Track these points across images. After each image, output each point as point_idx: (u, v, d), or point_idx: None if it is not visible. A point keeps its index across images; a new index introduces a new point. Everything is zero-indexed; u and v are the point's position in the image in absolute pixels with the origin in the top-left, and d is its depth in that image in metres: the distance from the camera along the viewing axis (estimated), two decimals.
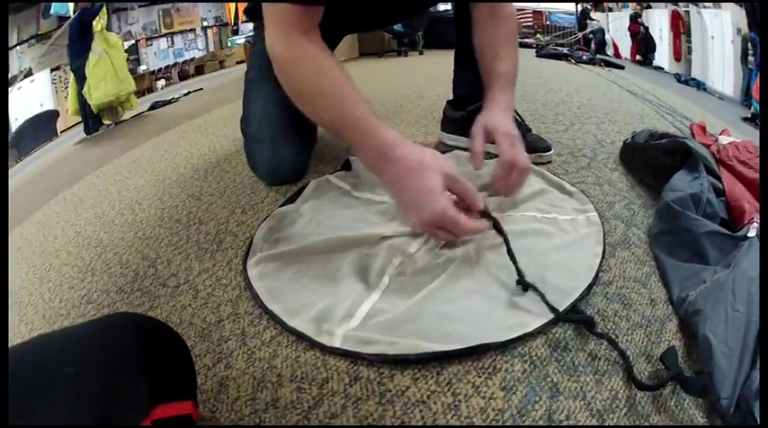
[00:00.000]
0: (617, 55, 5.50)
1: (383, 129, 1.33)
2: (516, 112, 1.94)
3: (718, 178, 1.46)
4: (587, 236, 1.38)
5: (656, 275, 1.28)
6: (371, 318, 1.11)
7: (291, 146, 1.81)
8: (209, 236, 1.60)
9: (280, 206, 1.64)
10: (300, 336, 1.09)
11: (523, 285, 1.14)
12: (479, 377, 0.97)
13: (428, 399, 0.94)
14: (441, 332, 1.04)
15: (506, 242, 1.24)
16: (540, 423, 0.89)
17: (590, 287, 1.19)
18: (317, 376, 1.01)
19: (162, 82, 5.23)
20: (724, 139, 1.67)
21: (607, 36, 5.86)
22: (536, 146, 1.89)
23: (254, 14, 2.03)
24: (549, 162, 1.91)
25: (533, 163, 1.79)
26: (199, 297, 1.31)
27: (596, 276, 1.23)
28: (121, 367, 0.68)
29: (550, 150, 1.91)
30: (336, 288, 1.22)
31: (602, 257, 1.30)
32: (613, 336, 1.05)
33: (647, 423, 0.89)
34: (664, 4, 4.92)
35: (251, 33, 5.69)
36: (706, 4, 4.34)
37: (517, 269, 1.18)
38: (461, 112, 2.03)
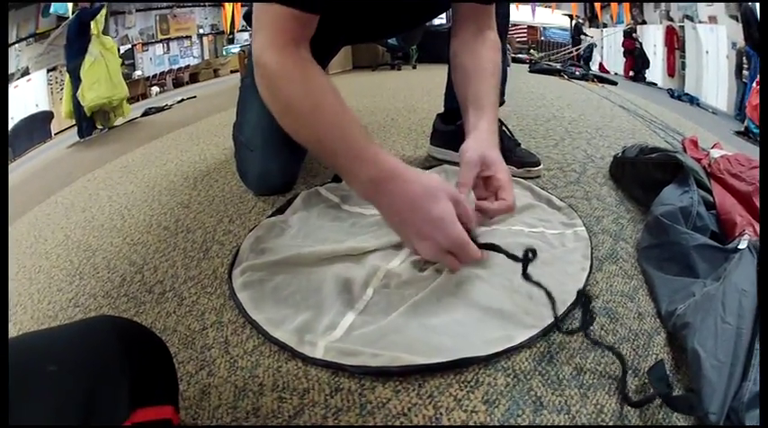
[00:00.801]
0: (602, 71, 5.52)
1: (383, 155, 1.24)
2: (506, 127, 1.95)
3: (709, 192, 1.46)
4: (574, 250, 1.37)
5: (644, 289, 1.28)
6: (354, 330, 1.11)
7: (283, 156, 1.79)
8: (195, 244, 1.60)
9: (269, 216, 1.63)
10: (283, 347, 1.09)
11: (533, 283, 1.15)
12: (461, 390, 0.96)
13: (409, 412, 0.93)
14: (425, 344, 1.04)
15: (524, 266, 1.19)
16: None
17: (576, 301, 1.17)
18: (297, 386, 1.00)
19: (156, 89, 5.23)
20: (716, 153, 1.67)
21: (595, 52, 5.88)
22: (524, 160, 1.88)
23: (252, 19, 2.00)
24: (538, 176, 1.91)
25: (522, 177, 1.79)
26: (184, 304, 1.31)
27: (583, 290, 1.21)
28: (103, 369, 0.68)
29: (539, 165, 1.91)
30: (320, 299, 1.21)
31: (590, 271, 1.29)
32: (599, 350, 1.05)
33: None
34: (659, 19, 4.94)
35: (246, 43, 5.70)
36: (702, 18, 4.35)
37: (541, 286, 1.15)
38: (451, 126, 2.02)
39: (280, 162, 1.82)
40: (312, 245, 1.40)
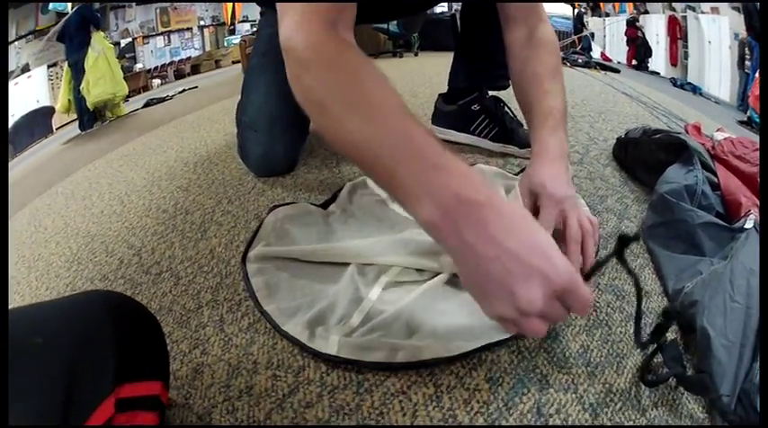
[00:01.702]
0: (605, 59, 5.49)
1: (459, 163, 0.87)
2: (508, 107, 1.92)
3: (714, 173, 1.45)
4: None
5: (651, 267, 1.26)
6: (371, 319, 1.05)
7: (287, 138, 1.77)
8: (194, 225, 1.59)
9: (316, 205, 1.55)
10: (294, 342, 1.03)
11: None
12: (463, 368, 0.95)
13: (408, 390, 0.91)
14: (442, 330, 1.00)
15: (639, 298, 0.98)
16: (529, 416, 0.86)
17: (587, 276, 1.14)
18: (293, 363, 0.99)
19: (158, 81, 5.22)
20: (719, 136, 1.66)
21: (593, 43, 5.86)
22: (527, 141, 1.86)
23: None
24: None
25: (524, 158, 1.77)
26: (180, 284, 1.30)
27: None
28: (89, 342, 0.67)
29: None
30: (337, 288, 1.16)
31: (598, 249, 1.25)
32: (606, 328, 1.03)
33: (643, 418, 0.86)
34: (661, 9, 4.92)
35: (247, 33, 5.70)
36: (704, 8, 4.33)
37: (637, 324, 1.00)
38: (453, 106, 2.00)
39: (284, 143, 1.80)
40: (338, 244, 1.29)
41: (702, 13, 4.47)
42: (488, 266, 0.80)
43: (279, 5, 1.08)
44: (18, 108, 4.14)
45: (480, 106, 1.92)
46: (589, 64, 4.58)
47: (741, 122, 3.67)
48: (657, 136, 1.66)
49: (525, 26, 1.49)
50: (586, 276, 0.97)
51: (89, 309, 0.72)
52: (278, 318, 1.08)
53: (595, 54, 5.54)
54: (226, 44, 5.79)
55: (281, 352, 1.02)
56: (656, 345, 0.93)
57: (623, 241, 0.94)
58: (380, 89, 0.96)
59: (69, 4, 4.34)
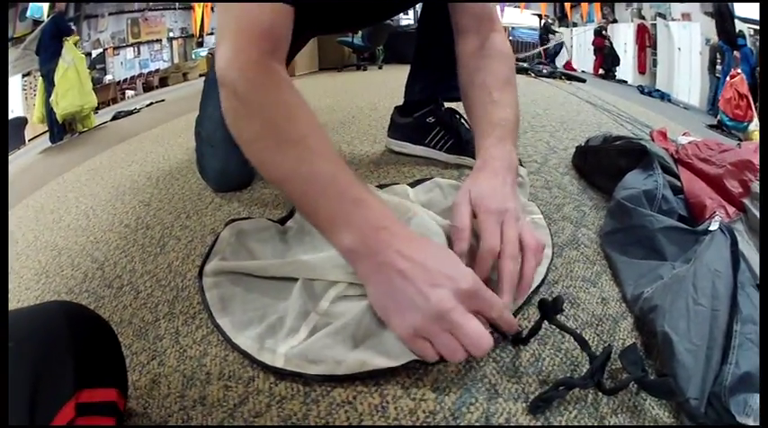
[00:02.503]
0: (569, 69, 5.53)
1: (374, 198, 1.01)
2: (459, 115, 1.92)
3: (677, 177, 1.46)
4: None
5: (608, 274, 1.27)
6: (318, 330, 1.04)
7: (243, 153, 1.77)
8: (153, 240, 1.59)
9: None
10: (244, 354, 1.04)
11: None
12: (409, 377, 0.94)
13: (354, 400, 0.91)
14: (387, 341, 0.97)
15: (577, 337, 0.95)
16: (476, 426, 0.86)
17: (537, 288, 1.16)
18: (243, 374, 0.99)
19: (131, 92, 5.21)
20: (683, 139, 1.68)
21: (564, 50, 5.91)
22: None
23: None
24: None
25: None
26: (139, 297, 1.31)
27: (544, 278, 1.20)
28: (50, 349, 0.69)
29: None
30: (287, 302, 1.14)
31: (551, 259, 1.27)
32: (559, 337, 1.03)
33: (603, 426, 0.87)
34: (630, 17, 4.97)
35: (214, 46, 5.71)
36: (675, 15, 4.38)
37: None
38: (408, 118, 2.00)
39: (240, 159, 1.74)
40: (291, 260, 1.26)
41: (673, 20, 4.52)
42: (400, 279, 0.91)
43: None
44: None
45: (435, 118, 1.92)
46: (554, 74, 4.61)
47: (711, 126, 3.73)
48: (618, 142, 1.67)
49: (477, 36, 1.47)
50: (515, 338, 1.01)
51: (49, 318, 0.74)
52: (230, 332, 1.08)
53: (560, 63, 5.57)
54: (194, 56, 5.79)
55: (233, 363, 1.02)
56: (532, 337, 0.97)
57: (544, 308, 0.98)
58: (312, 130, 1.06)
59: (46, 10, 4.34)
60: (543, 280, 1.19)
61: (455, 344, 0.87)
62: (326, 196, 0.99)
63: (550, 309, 0.96)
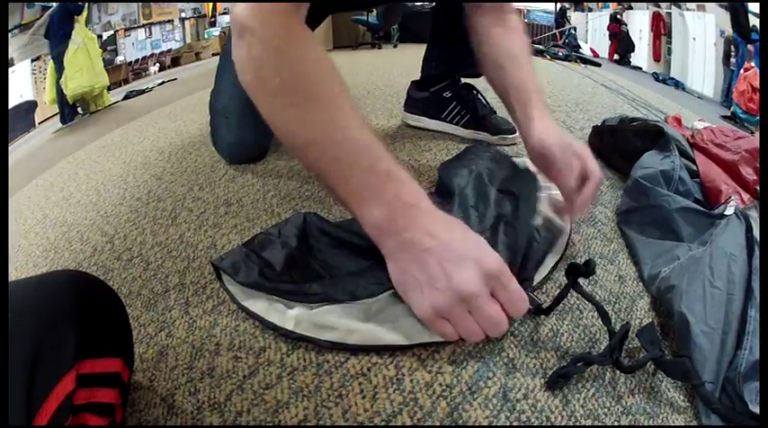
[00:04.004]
0: (595, 55, 5.49)
1: (404, 172, 0.96)
2: (481, 95, 1.91)
3: (693, 161, 1.44)
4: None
5: (625, 253, 1.25)
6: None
7: (259, 124, 1.74)
8: (165, 212, 1.58)
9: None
10: (253, 316, 1.03)
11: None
12: (425, 350, 0.93)
13: (368, 372, 0.90)
14: (404, 320, 0.96)
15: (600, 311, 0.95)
16: (494, 401, 0.84)
17: (556, 264, 1.15)
18: (254, 345, 0.98)
19: (154, 68, 5.20)
20: (699, 124, 1.66)
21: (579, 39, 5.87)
22: (500, 127, 1.85)
23: None
24: (514, 144, 1.87)
25: (497, 144, 1.76)
26: (149, 269, 1.30)
27: (564, 252, 1.19)
28: (52, 319, 0.67)
29: (515, 132, 1.85)
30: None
31: (570, 235, 1.25)
32: (577, 312, 1.02)
33: (619, 405, 0.85)
34: (645, 5, 4.93)
35: (227, 25, 5.68)
36: (689, 5, 4.35)
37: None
38: (425, 93, 2.00)
39: (255, 130, 1.77)
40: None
41: (688, 9, 4.48)
42: (425, 256, 0.89)
43: None
44: None
45: (452, 93, 1.91)
46: (569, 57, 4.58)
47: (724, 117, 3.69)
48: (634, 123, 1.65)
49: (494, 10, 1.48)
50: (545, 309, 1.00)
51: (53, 287, 0.72)
52: (239, 295, 1.07)
53: (585, 51, 5.52)
54: (206, 36, 5.76)
55: (243, 333, 1.01)
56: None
57: (574, 271, 0.96)
58: (344, 91, 1.00)
59: None
60: (563, 256, 1.18)
61: (476, 327, 0.88)
62: (359, 166, 0.94)
63: (582, 272, 0.95)
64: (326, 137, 0.95)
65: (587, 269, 0.93)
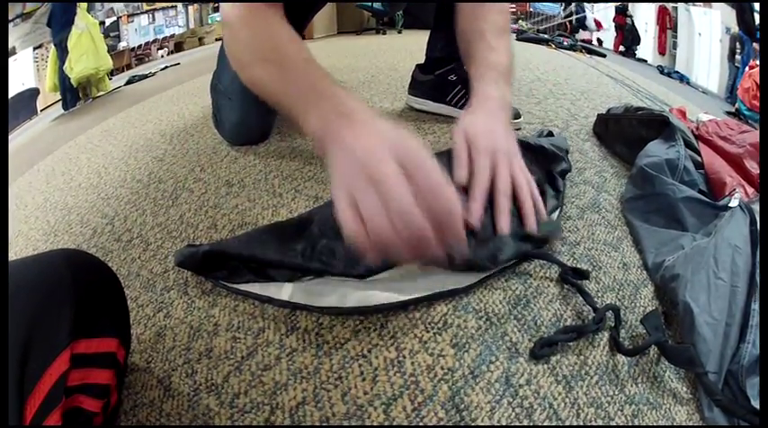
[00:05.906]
0: (600, 46, 5.49)
1: (343, 92, 1.06)
2: None
3: (697, 152, 1.43)
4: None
5: (629, 240, 1.24)
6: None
7: (261, 105, 1.74)
8: (165, 193, 1.58)
9: None
10: (247, 294, 1.03)
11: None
12: (427, 332, 0.92)
13: (369, 353, 0.89)
14: (396, 279, 0.98)
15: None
16: (497, 386, 0.84)
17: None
18: (253, 325, 0.97)
19: (163, 52, 5.21)
20: (704, 117, 1.65)
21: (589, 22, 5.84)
22: None
23: None
24: (519, 129, 1.86)
25: None
26: (149, 249, 1.30)
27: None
28: (47, 297, 0.67)
29: (519, 117, 1.86)
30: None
31: (561, 207, 1.27)
32: (580, 297, 1.01)
33: (622, 394, 0.84)
34: None
35: None
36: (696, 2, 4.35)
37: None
38: (429, 76, 1.98)
39: (257, 112, 1.77)
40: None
41: (694, 5, 4.48)
42: (350, 155, 0.89)
43: None
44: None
45: (457, 76, 1.90)
46: (574, 47, 4.58)
47: (729, 113, 3.69)
48: (640, 112, 1.64)
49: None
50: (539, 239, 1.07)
51: (49, 265, 0.72)
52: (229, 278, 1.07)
53: (607, 44, 5.50)
54: (210, 21, 5.75)
55: (242, 314, 1.00)
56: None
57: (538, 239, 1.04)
58: (292, 44, 1.20)
59: None
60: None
61: (381, 212, 0.80)
62: (301, 95, 1.10)
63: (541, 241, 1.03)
64: (275, 81, 1.19)
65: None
